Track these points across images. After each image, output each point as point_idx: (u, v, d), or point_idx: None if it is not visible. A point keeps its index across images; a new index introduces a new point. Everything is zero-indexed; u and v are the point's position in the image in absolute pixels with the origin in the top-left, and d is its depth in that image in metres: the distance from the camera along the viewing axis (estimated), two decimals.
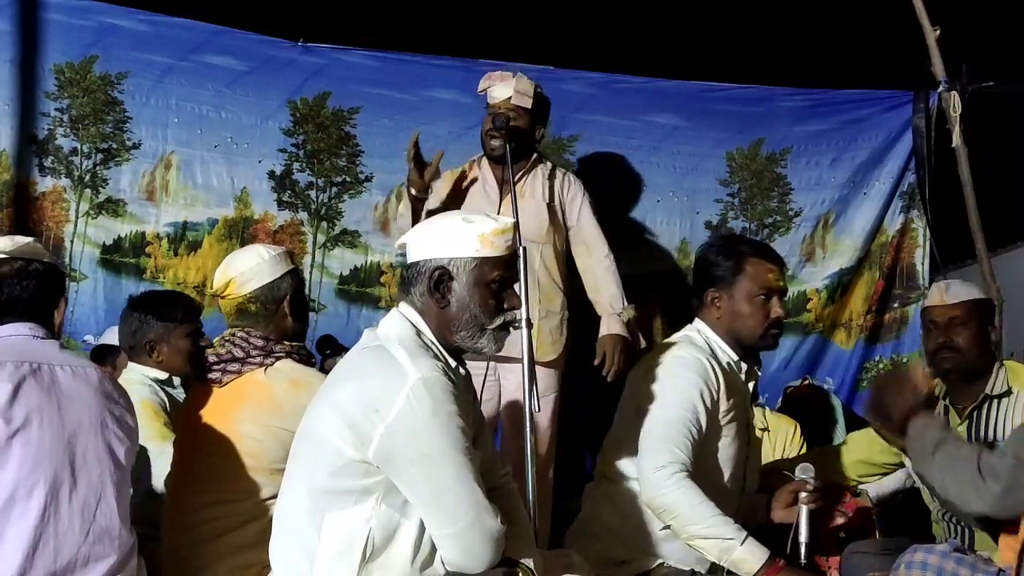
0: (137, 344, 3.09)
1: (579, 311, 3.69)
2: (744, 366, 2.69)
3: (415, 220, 3.51)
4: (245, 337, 2.45)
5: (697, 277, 2.72)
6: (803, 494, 2.60)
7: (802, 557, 2.53)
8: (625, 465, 2.57)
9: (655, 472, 2.43)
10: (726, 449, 2.60)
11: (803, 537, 2.56)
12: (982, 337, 2.87)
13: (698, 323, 2.69)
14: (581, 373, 3.64)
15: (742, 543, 2.39)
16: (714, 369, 2.58)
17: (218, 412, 2.41)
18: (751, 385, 2.75)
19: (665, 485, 2.41)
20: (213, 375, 2.43)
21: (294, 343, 2.53)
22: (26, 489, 1.96)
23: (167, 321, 3.09)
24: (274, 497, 2.26)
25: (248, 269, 2.50)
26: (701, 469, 2.50)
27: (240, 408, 2.38)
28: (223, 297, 2.53)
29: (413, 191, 3.51)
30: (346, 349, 3.05)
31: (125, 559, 2.05)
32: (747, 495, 2.72)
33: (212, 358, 2.45)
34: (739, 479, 2.66)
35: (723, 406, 2.57)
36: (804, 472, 2.66)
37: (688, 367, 2.55)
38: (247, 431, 2.35)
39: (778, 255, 2.74)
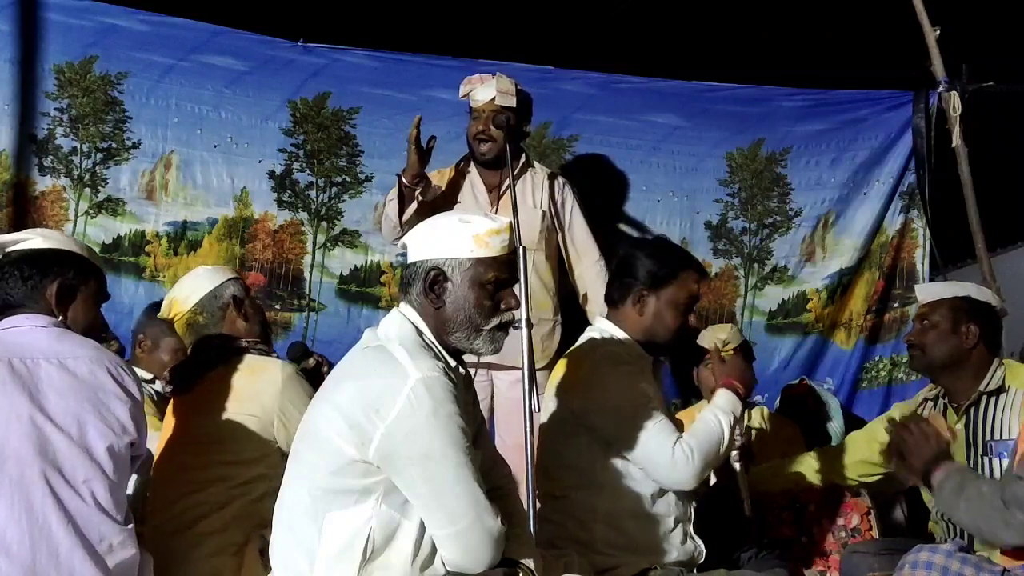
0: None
1: (573, 316, 3.67)
2: (650, 358, 2.70)
3: (402, 208, 3.50)
4: (203, 344, 2.61)
5: (625, 272, 2.70)
6: (734, 452, 2.93)
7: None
8: (572, 478, 2.56)
9: (669, 460, 2.45)
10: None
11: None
12: (954, 336, 2.84)
13: (600, 322, 2.71)
14: None
15: (721, 419, 2.56)
16: (631, 357, 2.61)
17: (185, 415, 2.56)
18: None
19: (683, 461, 2.45)
20: (180, 385, 2.60)
21: (250, 339, 2.63)
22: None
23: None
24: (248, 483, 2.41)
25: (186, 286, 2.67)
26: None
27: (203, 405, 2.51)
28: (174, 320, 2.67)
29: (406, 179, 3.49)
30: (313, 353, 3.08)
31: (106, 553, 2.00)
32: None
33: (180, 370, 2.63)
34: None
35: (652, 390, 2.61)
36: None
37: (618, 361, 2.57)
38: (210, 424, 2.47)
39: (704, 269, 2.86)
